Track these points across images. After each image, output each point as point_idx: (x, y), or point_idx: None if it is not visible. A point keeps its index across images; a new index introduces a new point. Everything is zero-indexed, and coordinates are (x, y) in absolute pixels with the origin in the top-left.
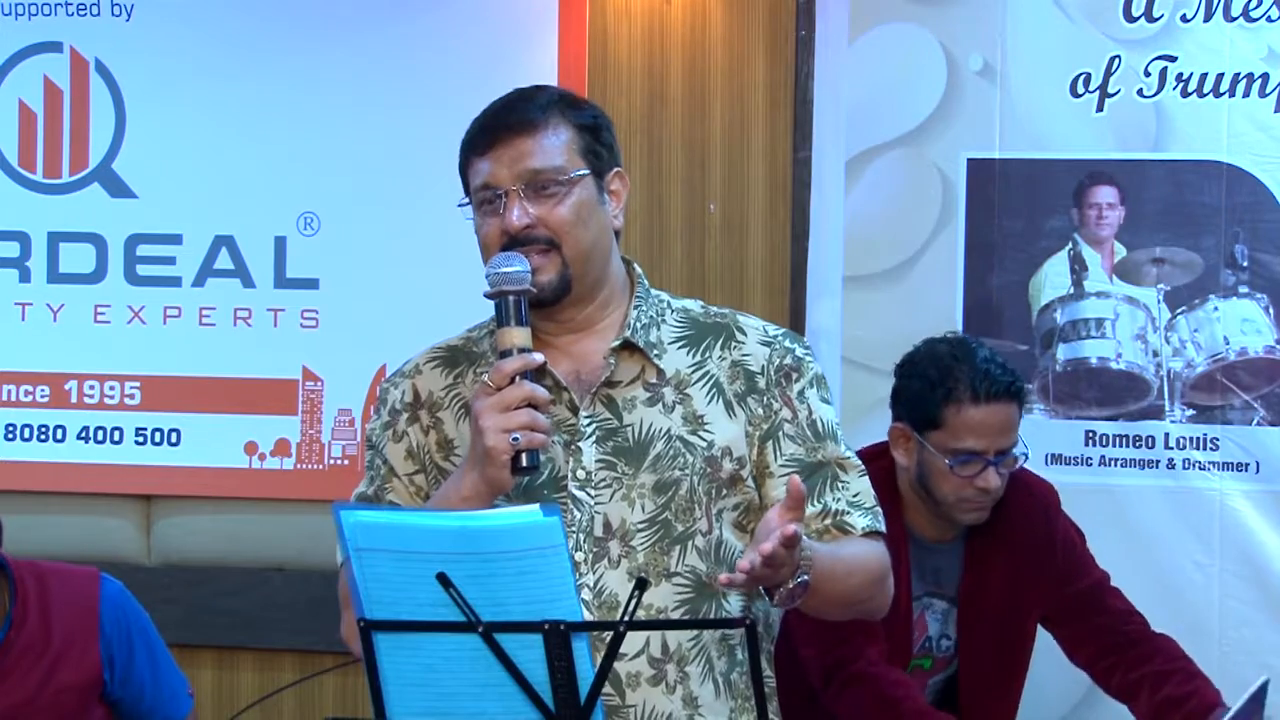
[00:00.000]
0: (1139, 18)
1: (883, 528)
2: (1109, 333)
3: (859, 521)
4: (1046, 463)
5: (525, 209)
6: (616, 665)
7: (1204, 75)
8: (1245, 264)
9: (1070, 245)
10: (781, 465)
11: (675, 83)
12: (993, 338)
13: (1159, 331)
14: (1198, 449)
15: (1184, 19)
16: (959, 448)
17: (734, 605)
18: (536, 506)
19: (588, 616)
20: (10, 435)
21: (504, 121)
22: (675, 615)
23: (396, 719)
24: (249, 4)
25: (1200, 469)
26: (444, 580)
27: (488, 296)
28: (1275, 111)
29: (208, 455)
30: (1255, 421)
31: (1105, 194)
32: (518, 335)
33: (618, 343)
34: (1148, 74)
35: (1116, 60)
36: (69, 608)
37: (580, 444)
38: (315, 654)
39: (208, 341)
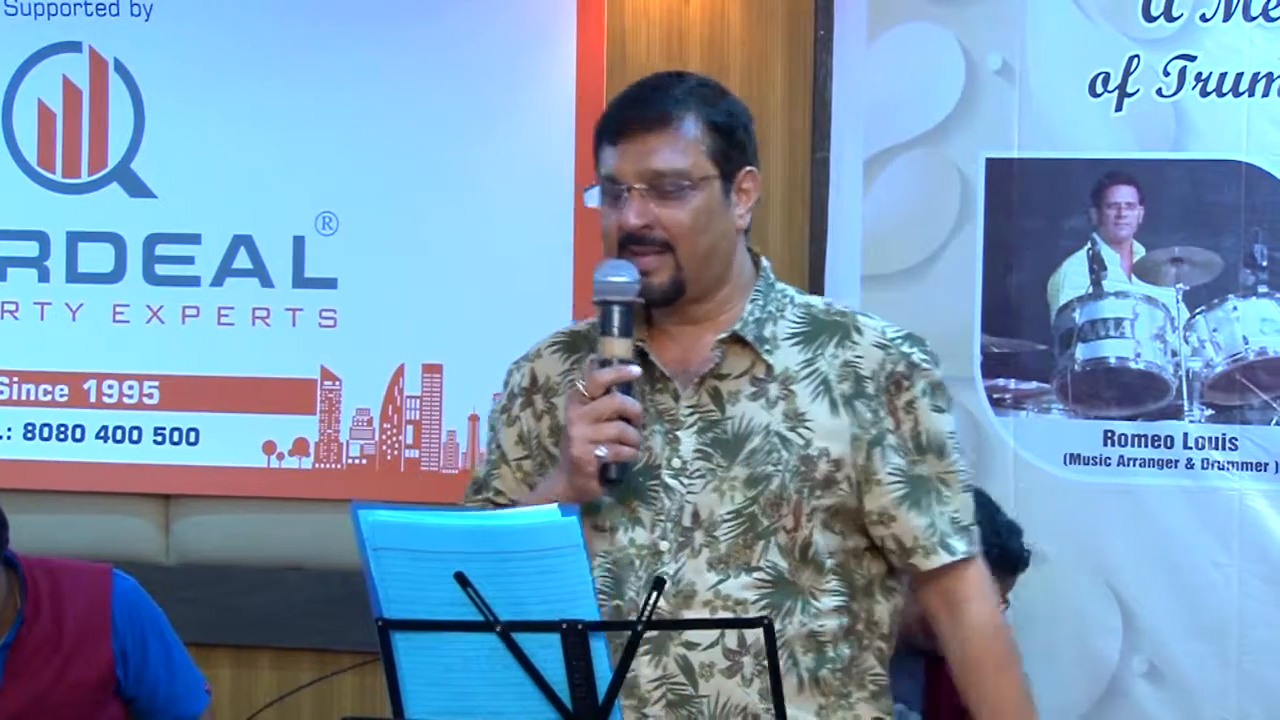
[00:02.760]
0: (1158, 17)
1: (978, 549)
2: (1128, 332)
3: (959, 545)
4: (1065, 463)
5: (644, 208)
6: (689, 655)
7: (1223, 75)
8: (1264, 264)
9: (1089, 245)
10: (889, 474)
11: None
12: (1011, 337)
13: (1178, 331)
14: (1217, 449)
15: (1203, 18)
16: None
17: (825, 604)
18: (555, 506)
19: (663, 606)
20: (29, 434)
21: (636, 114)
22: (755, 608)
23: (415, 718)
24: (267, 4)
25: (1219, 469)
26: (462, 579)
27: (594, 303)
28: None
29: (226, 455)
30: (1275, 421)
31: (1124, 193)
32: (618, 346)
33: (725, 335)
34: (1167, 73)
35: (1135, 60)
36: (81, 604)
37: (679, 433)
38: (333, 653)
39: (226, 341)
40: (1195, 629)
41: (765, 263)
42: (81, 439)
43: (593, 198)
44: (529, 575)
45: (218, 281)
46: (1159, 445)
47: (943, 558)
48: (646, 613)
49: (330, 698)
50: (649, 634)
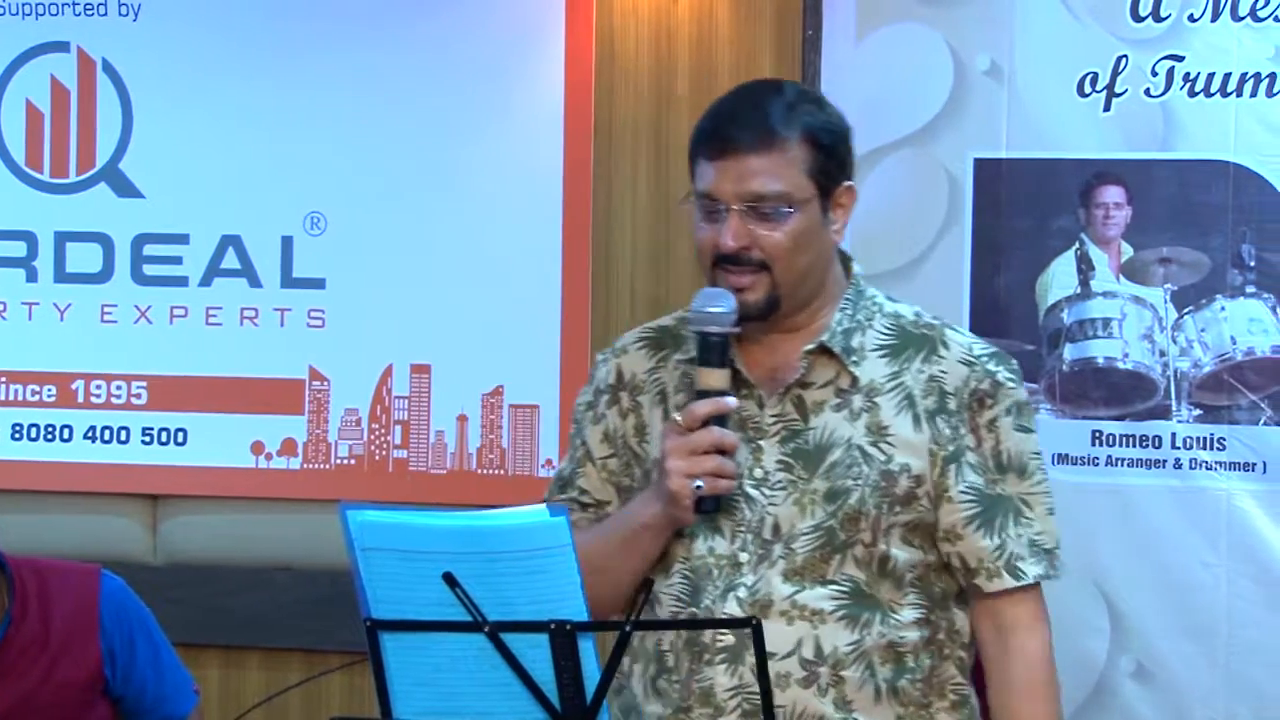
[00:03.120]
0: (1146, 17)
1: (1056, 573)
2: (1116, 332)
3: (1030, 569)
4: (1053, 463)
5: (742, 229)
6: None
7: (1211, 75)
8: (1252, 264)
9: (1077, 245)
10: (961, 492)
11: (682, 82)
12: (999, 337)
13: (1166, 331)
14: (1205, 449)
15: (1191, 18)
16: None
17: (905, 616)
18: (544, 506)
19: (738, 615)
20: (17, 435)
21: (736, 133)
22: (833, 619)
23: (403, 718)
24: (256, 4)
25: (1207, 469)
26: (450, 580)
27: (691, 333)
28: None
29: (214, 455)
30: (1262, 421)
31: (1112, 194)
32: (715, 377)
33: (812, 345)
34: (1155, 73)
35: (1124, 60)
36: (69, 604)
37: (762, 443)
38: (321, 653)
39: (214, 341)
40: (1183, 629)
41: (857, 269)
42: (69, 439)
43: (685, 209)
44: (517, 575)
45: (206, 282)
46: (1147, 445)
47: (1005, 582)
48: (635, 613)
49: (319, 698)
50: (725, 643)
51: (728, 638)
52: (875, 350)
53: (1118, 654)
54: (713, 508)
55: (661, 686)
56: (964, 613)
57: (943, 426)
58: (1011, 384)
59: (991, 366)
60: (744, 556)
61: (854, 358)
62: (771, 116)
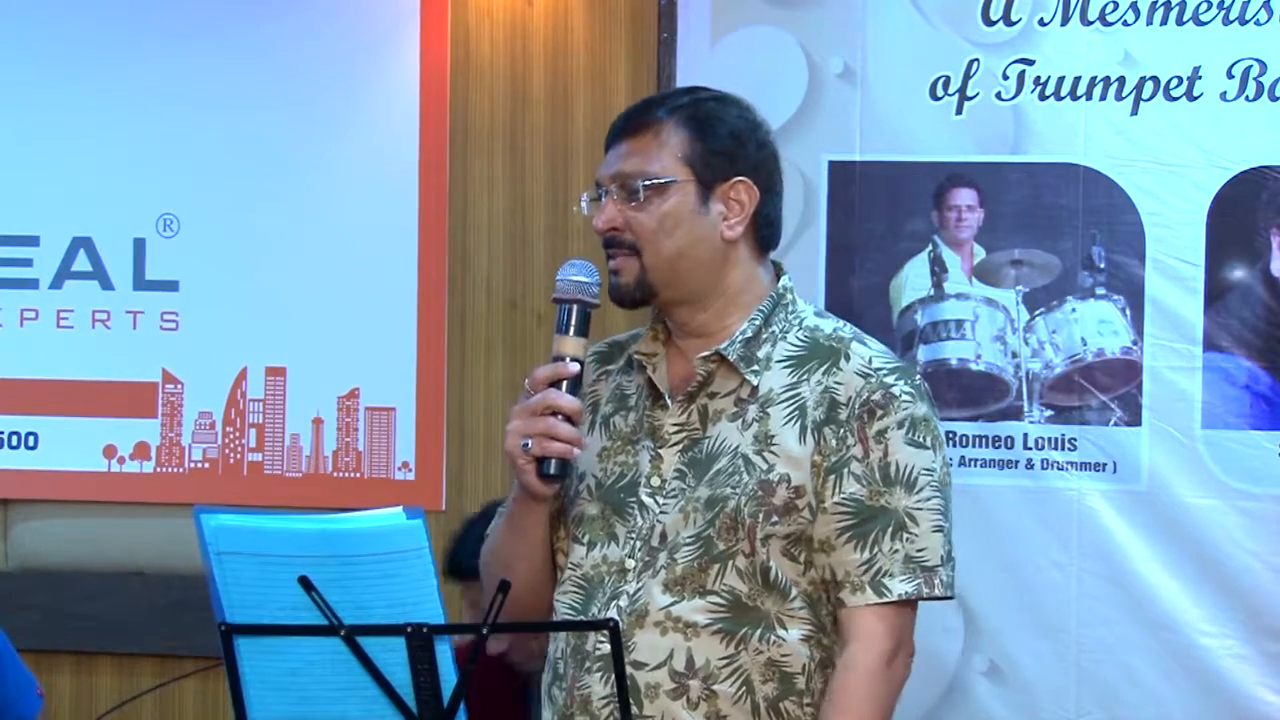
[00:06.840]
0: (997, 21)
1: (938, 592)
2: (968, 334)
3: (897, 586)
4: None
5: (613, 211)
6: (636, 674)
7: (1061, 78)
8: (1102, 266)
9: (930, 247)
10: (837, 503)
11: (538, 84)
12: None
13: (1018, 333)
14: (1056, 449)
15: (1041, 22)
16: None
17: (792, 634)
18: (400, 509)
19: (620, 622)
20: None
21: (624, 120)
22: (707, 632)
23: None
24: (107, 4)
25: (1058, 469)
26: (306, 584)
27: (554, 301)
28: (1131, 115)
29: (66, 459)
30: (1112, 422)
31: (964, 196)
32: (568, 344)
33: (708, 353)
34: (1006, 77)
35: (975, 63)
36: None
37: (663, 451)
38: (175, 658)
39: (66, 344)
40: (1035, 628)
41: (783, 284)
42: None
43: (584, 203)
44: (374, 579)
45: (57, 284)
46: (999, 446)
47: (868, 597)
48: (492, 616)
49: (172, 704)
50: (602, 651)
51: (606, 646)
52: (781, 362)
53: (970, 653)
54: (556, 472)
55: (553, 694)
56: None
57: (829, 437)
58: (908, 398)
59: (889, 380)
60: (630, 563)
61: (755, 367)
62: (660, 107)
